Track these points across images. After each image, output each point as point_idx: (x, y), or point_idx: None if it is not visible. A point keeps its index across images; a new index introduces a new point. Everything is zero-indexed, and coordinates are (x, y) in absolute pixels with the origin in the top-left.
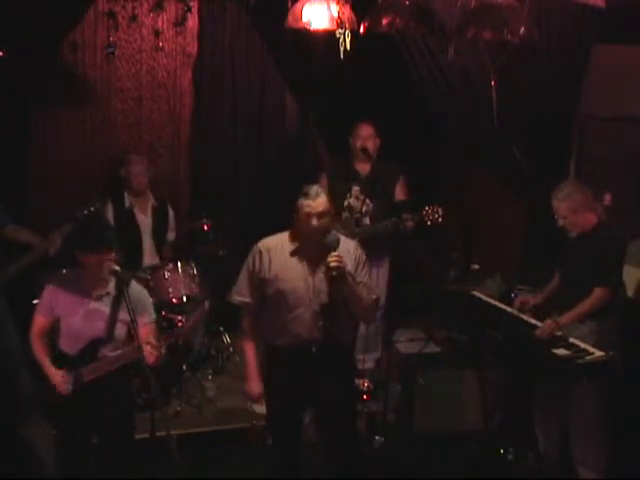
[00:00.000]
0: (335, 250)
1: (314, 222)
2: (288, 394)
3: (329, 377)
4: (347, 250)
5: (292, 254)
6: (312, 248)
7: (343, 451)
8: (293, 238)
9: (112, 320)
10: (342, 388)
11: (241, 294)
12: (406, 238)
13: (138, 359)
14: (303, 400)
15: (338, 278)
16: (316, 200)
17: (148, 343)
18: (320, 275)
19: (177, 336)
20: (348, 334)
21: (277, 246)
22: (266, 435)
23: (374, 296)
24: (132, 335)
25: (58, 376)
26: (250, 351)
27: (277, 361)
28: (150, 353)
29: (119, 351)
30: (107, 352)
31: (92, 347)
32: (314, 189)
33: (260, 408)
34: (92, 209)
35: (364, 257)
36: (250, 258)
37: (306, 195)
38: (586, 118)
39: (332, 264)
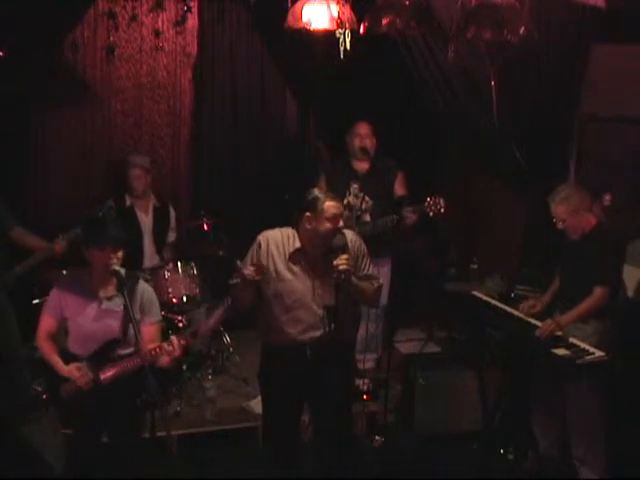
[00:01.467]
0: (344, 252)
1: (340, 223)
2: (286, 394)
3: (329, 376)
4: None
5: (294, 254)
6: (317, 250)
7: (338, 450)
8: (298, 239)
9: (126, 320)
10: (341, 387)
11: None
12: (406, 234)
13: (154, 360)
14: (301, 400)
15: (346, 280)
16: (338, 202)
17: (170, 343)
18: (322, 277)
19: (198, 336)
20: (350, 332)
21: (280, 243)
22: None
23: (376, 284)
24: (146, 337)
25: (75, 370)
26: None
27: (275, 361)
28: (169, 353)
29: (132, 351)
30: (121, 352)
31: (107, 347)
32: (329, 193)
33: (260, 408)
34: (106, 208)
35: (364, 248)
36: (251, 250)
37: (330, 197)
38: (586, 118)
39: (341, 267)
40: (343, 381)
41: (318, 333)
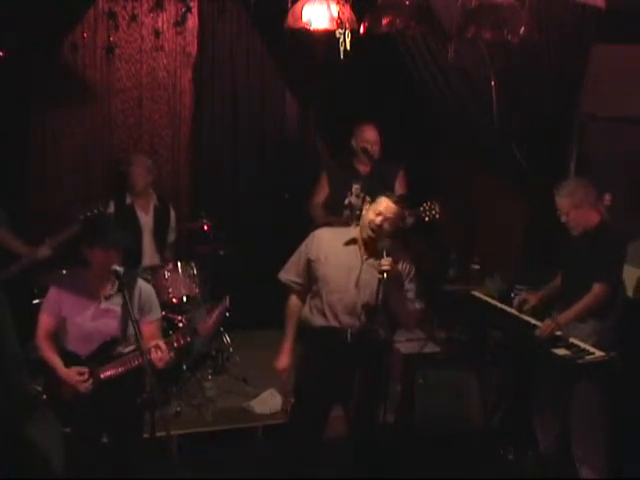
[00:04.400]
0: (389, 255)
1: (379, 222)
2: (320, 381)
3: (362, 368)
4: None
5: (347, 243)
6: (369, 244)
7: (365, 442)
8: (355, 230)
9: (125, 318)
10: (372, 381)
11: (288, 273)
12: (405, 234)
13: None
14: (333, 388)
15: (386, 281)
16: (396, 206)
17: (157, 348)
18: (368, 271)
19: (198, 334)
20: (386, 332)
21: (335, 233)
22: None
23: (417, 306)
24: (146, 335)
25: (75, 375)
26: (289, 330)
27: (311, 344)
28: (160, 360)
29: (133, 349)
30: (122, 350)
31: (107, 346)
32: (399, 198)
33: (260, 408)
34: (96, 210)
35: (412, 272)
36: (305, 240)
37: (391, 198)
38: (586, 118)
39: (384, 267)
40: (375, 374)
41: (358, 321)
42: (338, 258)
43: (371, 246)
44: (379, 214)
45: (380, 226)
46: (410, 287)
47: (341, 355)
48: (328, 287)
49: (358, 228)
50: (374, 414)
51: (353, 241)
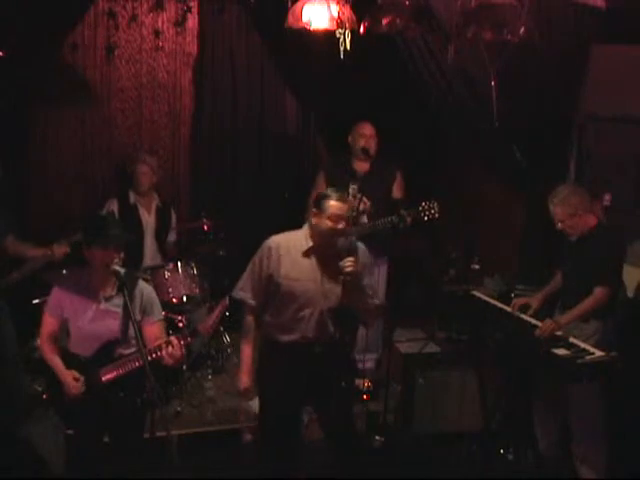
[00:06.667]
0: (351, 254)
1: (339, 225)
2: (286, 392)
3: (330, 377)
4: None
5: (304, 254)
6: (325, 249)
7: (344, 451)
8: (307, 238)
9: (125, 320)
10: (341, 388)
11: (244, 290)
12: (404, 235)
13: (157, 359)
14: (301, 399)
15: (351, 282)
16: (345, 204)
17: (169, 343)
18: (330, 277)
19: (198, 334)
20: (350, 335)
21: (289, 244)
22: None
23: (377, 302)
24: (151, 336)
25: (70, 377)
26: (247, 349)
27: (277, 359)
28: (171, 356)
29: (134, 350)
30: (123, 351)
31: (108, 348)
32: (340, 193)
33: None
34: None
35: (370, 262)
36: (258, 255)
37: (336, 197)
38: (586, 118)
39: (347, 268)
40: (346, 380)
41: (324, 332)
42: (302, 272)
43: (329, 250)
44: (337, 219)
45: (342, 230)
46: (368, 283)
47: (308, 368)
48: (295, 304)
49: (307, 232)
50: (349, 416)
51: (311, 250)
